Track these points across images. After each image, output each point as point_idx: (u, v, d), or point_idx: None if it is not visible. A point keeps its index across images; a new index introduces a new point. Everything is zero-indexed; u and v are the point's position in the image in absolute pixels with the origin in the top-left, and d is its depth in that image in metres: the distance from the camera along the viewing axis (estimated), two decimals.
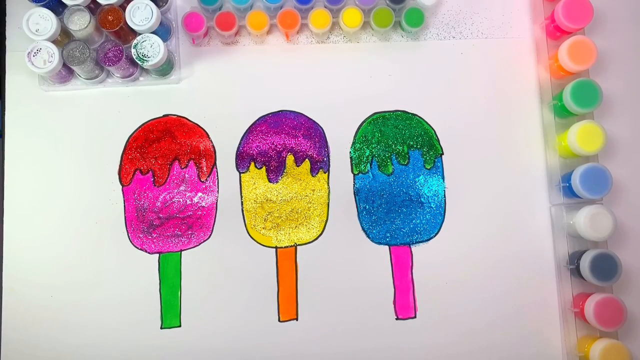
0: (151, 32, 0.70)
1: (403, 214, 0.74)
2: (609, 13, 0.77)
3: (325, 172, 0.74)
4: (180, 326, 0.71)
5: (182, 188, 0.73)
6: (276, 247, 0.73)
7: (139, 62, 0.69)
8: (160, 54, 0.69)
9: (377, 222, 0.74)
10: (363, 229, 0.73)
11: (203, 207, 0.73)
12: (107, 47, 0.70)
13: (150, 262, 0.72)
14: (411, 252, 0.73)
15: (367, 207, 0.74)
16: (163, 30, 0.72)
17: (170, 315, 0.71)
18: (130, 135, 0.74)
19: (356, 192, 0.74)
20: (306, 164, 0.74)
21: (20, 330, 0.70)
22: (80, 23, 0.69)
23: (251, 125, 0.75)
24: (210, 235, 0.73)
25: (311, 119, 0.75)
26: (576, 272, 0.71)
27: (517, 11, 0.78)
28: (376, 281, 0.73)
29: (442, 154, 0.75)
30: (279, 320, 0.72)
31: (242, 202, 0.73)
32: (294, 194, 0.74)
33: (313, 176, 0.74)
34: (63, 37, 0.70)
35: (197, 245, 0.73)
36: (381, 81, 0.76)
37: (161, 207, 0.73)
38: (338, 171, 0.74)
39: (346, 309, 0.72)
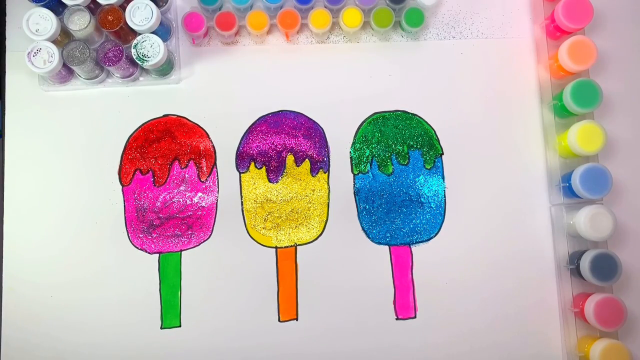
0: (151, 32, 0.70)
1: (403, 214, 0.74)
2: (609, 13, 0.77)
3: (325, 172, 0.74)
4: (180, 326, 0.71)
5: (182, 188, 0.73)
6: (276, 247, 0.73)
7: (139, 62, 0.69)
8: (160, 54, 0.69)
9: (377, 222, 0.74)
10: (363, 229, 0.73)
11: (203, 207, 0.73)
12: (107, 47, 0.70)
13: (150, 262, 0.72)
14: (411, 252, 0.73)
15: (367, 207, 0.74)
16: (163, 30, 0.72)
17: (170, 315, 0.71)
18: (130, 135, 0.74)
19: (356, 192, 0.74)
20: (306, 164, 0.74)
21: (20, 329, 0.70)
22: (80, 23, 0.69)
23: (251, 125, 0.75)
24: (210, 235, 0.73)
25: (311, 119, 0.75)
26: (576, 272, 0.71)
27: (517, 11, 0.78)
28: (376, 281, 0.73)
29: (442, 154, 0.75)
30: (279, 320, 0.72)
31: (242, 202, 0.73)
32: (294, 194, 0.74)
33: (313, 176, 0.74)
34: (63, 37, 0.70)
35: (197, 245, 0.73)
36: (381, 81, 0.76)
37: (161, 207, 0.73)
38: (338, 171, 0.74)
39: (346, 309, 0.72)
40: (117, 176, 0.73)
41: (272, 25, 0.75)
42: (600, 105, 0.71)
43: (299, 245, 0.73)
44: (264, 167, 0.74)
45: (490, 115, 0.76)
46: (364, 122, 0.75)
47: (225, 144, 0.74)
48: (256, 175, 0.74)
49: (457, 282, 0.73)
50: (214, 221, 0.73)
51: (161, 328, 0.71)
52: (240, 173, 0.74)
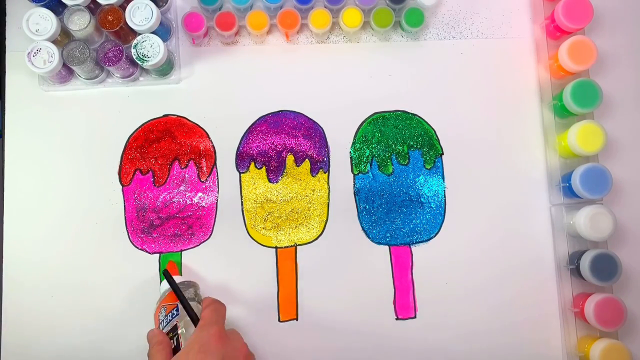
0: (151, 32, 0.70)
1: (403, 214, 0.74)
2: (609, 13, 0.77)
3: (325, 172, 0.74)
4: None
5: (182, 188, 0.73)
6: (276, 247, 0.73)
7: (139, 62, 0.69)
8: (160, 54, 0.69)
9: (377, 222, 0.74)
10: (363, 229, 0.73)
11: (203, 207, 0.73)
12: (107, 47, 0.70)
13: (150, 262, 0.72)
14: (411, 252, 0.73)
15: (367, 207, 0.74)
16: (163, 30, 0.72)
17: None
18: (130, 135, 0.74)
19: (356, 192, 0.74)
20: (306, 164, 0.74)
21: (20, 330, 0.70)
22: (80, 23, 0.69)
23: (251, 125, 0.75)
24: (210, 235, 0.73)
25: (311, 119, 0.75)
26: (576, 272, 0.71)
27: (517, 11, 0.78)
28: (376, 281, 0.73)
29: (442, 154, 0.75)
30: (279, 320, 0.72)
31: (242, 202, 0.73)
32: (294, 194, 0.74)
33: (313, 176, 0.74)
34: (63, 37, 0.70)
35: (197, 245, 0.73)
36: (381, 81, 0.76)
37: (161, 207, 0.73)
38: (338, 171, 0.74)
39: (346, 309, 0.72)
40: (117, 176, 0.73)
41: (272, 25, 0.75)
42: (600, 105, 0.71)
43: (299, 245, 0.73)
44: (264, 167, 0.74)
45: (490, 115, 0.76)
46: (364, 122, 0.75)
47: (225, 144, 0.74)
48: (256, 175, 0.74)
49: (457, 282, 0.73)
50: (214, 221, 0.73)
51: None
52: (240, 173, 0.74)
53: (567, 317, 0.72)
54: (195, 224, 0.73)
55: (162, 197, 0.73)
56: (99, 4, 0.69)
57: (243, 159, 0.74)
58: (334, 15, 0.74)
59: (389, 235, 0.73)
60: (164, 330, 0.63)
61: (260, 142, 0.74)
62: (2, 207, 0.72)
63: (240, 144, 0.74)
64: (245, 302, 0.72)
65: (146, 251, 0.72)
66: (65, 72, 0.71)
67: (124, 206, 0.73)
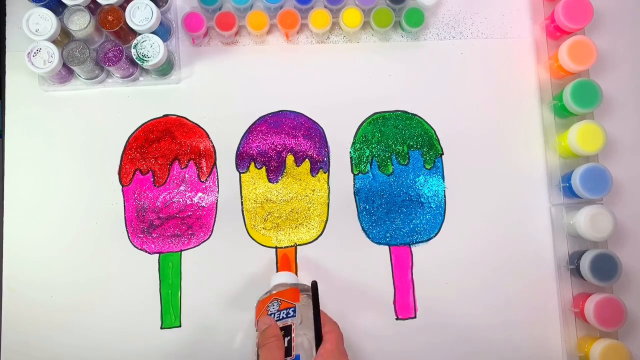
0: (151, 32, 0.70)
1: (403, 214, 0.74)
2: (609, 13, 0.77)
3: (325, 172, 0.74)
4: (180, 326, 0.71)
5: (182, 188, 0.73)
6: (276, 247, 0.73)
7: (139, 62, 0.69)
8: (160, 54, 0.69)
9: (377, 222, 0.74)
10: (363, 229, 0.73)
11: (203, 207, 0.73)
12: (107, 47, 0.70)
13: (150, 262, 0.72)
14: (411, 252, 0.73)
15: (367, 207, 0.74)
16: (163, 30, 0.72)
17: (170, 315, 0.71)
18: (130, 135, 0.74)
19: (356, 192, 0.74)
20: (306, 164, 0.74)
21: (20, 330, 0.70)
22: (80, 23, 0.69)
23: (251, 125, 0.75)
24: (210, 235, 0.73)
25: (311, 119, 0.75)
26: (576, 272, 0.71)
27: (517, 11, 0.78)
28: (376, 281, 0.73)
29: (442, 154, 0.75)
30: None
31: (242, 202, 0.73)
32: (294, 194, 0.74)
33: (313, 176, 0.74)
34: (63, 37, 0.70)
35: (197, 245, 0.73)
36: (381, 81, 0.76)
37: (161, 207, 0.73)
38: (338, 171, 0.74)
39: (346, 309, 0.72)
40: (117, 176, 0.73)
41: (272, 25, 0.75)
42: (600, 105, 0.71)
43: (299, 245, 0.73)
44: (264, 167, 0.74)
45: (490, 115, 0.76)
46: (364, 122, 0.75)
47: (225, 144, 0.74)
48: (256, 175, 0.74)
49: (457, 282, 0.73)
50: (214, 221, 0.73)
51: (161, 328, 0.71)
52: (240, 173, 0.74)
53: (567, 317, 0.72)
54: (195, 224, 0.73)
55: (162, 197, 0.73)
56: (99, 4, 0.69)
57: (243, 159, 0.74)
58: (334, 15, 0.74)
59: (389, 235, 0.73)
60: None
61: (260, 142, 0.74)
62: (2, 207, 0.72)
63: (240, 144, 0.74)
64: (245, 302, 0.71)
65: (146, 251, 0.72)
66: (65, 72, 0.71)
67: (124, 206, 0.73)
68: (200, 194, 0.73)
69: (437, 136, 0.75)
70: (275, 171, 0.74)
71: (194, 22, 0.73)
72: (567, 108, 0.71)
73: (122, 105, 0.74)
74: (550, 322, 0.73)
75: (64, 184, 0.73)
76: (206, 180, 0.74)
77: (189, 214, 0.73)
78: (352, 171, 0.74)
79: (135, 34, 0.71)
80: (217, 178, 0.74)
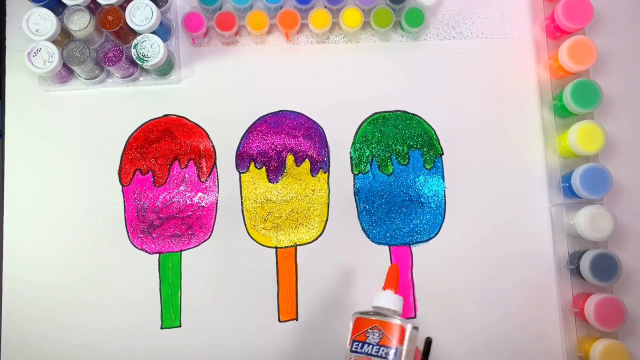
0: (151, 32, 0.70)
1: (403, 214, 0.74)
2: (609, 13, 0.77)
3: (325, 172, 0.74)
4: (180, 326, 0.71)
5: (182, 188, 0.73)
6: (276, 247, 0.73)
7: (139, 62, 0.69)
8: (160, 54, 0.69)
9: (377, 222, 0.74)
10: (363, 229, 0.73)
11: (203, 207, 0.73)
12: (107, 47, 0.70)
13: (150, 262, 0.72)
14: (411, 252, 0.73)
15: (367, 207, 0.74)
16: (163, 30, 0.72)
17: (170, 315, 0.71)
18: (130, 135, 0.74)
19: (356, 192, 0.74)
20: (306, 164, 0.74)
21: (20, 330, 0.70)
22: (80, 23, 0.69)
23: (251, 125, 0.75)
24: (210, 235, 0.73)
25: (311, 119, 0.75)
26: (576, 272, 0.71)
27: (517, 11, 0.78)
28: (376, 281, 0.73)
29: (442, 154, 0.75)
30: (279, 320, 0.72)
31: (242, 202, 0.73)
32: (294, 194, 0.74)
33: (313, 176, 0.74)
34: (63, 37, 0.70)
35: (197, 245, 0.73)
36: (381, 81, 0.76)
37: (161, 207, 0.73)
38: (338, 171, 0.74)
39: (346, 309, 0.72)
40: (117, 176, 0.73)
41: (272, 25, 0.75)
42: (600, 105, 0.71)
43: (299, 245, 0.73)
44: (264, 167, 0.74)
45: (490, 115, 0.76)
46: (364, 122, 0.75)
47: (225, 144, 0.74)
48: (256, 175, 0.74)
49: (457, 282, 0.73)
50: (214, 221, 0.73)
51: (161, 328, 0.71)
52: (240, 173, 0.74)
53: (567, 317, 0.72)
54: (195, 224, 0.73)
55: (162, 197, 0.73)
56: (99, 4, 0.69)
57: (243, 159, 0.74)
58: (334, 15, 0.74)
59: (389, 235, 0.73)
60: (368, 352, 0.55)
61: (260, 142, 0.74)
62: (2, 207, 0.72)
63: (240, 144, 0.74)
64: (245, 302, 0.72)
65: (146, 251, 0.72)
66: (65, 72, 0.71)
67: (124, 206, 0.73)
68: (200, 194, 0.73)
69: (437, 136, 0.75)
70: (275, 171, 0.74)
71: (194, 22, 0.73)
72: (567, 108, 0.71)
73: (122, 105, 0.74)
74: (550, 322, 0.72)
75: (64, 184, 0.73)
76: (206, 180, 0.74)
77: (189, 214, 0.73)
78: (352, 171, 0.74)
79: (135, 34, 0.71)
80: (217, 178, 0.74)
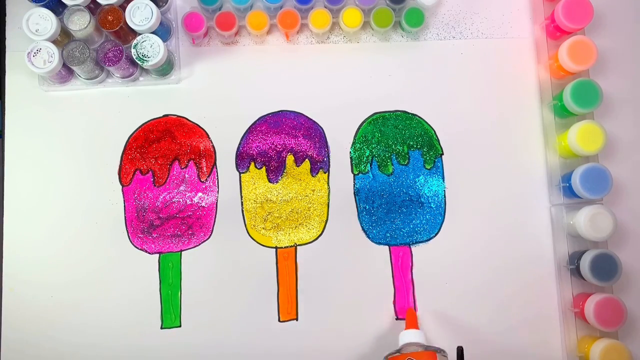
0: (151, 32, 0.70)
1: (403, 214, 0.74)
2: (609, 13, 0.77)
3: (325, 172, 0.74)
4: (180, 326, 0.71)
5: (182, 188, 0.73)
6: (276, 247, 0.73)
7: (139, 62, 0.69)
8: (160, 54, 0.69)
9: (377, 222, 0.74)
10: (363, 229, 0.73)
11: (203, 207, 0.73)
12: (107, 47, 0.70)
13: (150, 262, 0.72)
14: (411, 252, 0.73)
15: (367, 207, 0.74)
16: (163, 30, 0.72)
17: (170, 315, 0.71)
18: (130, 135, 0.74)
19: (356, 192, 0.74)
20: (306, 164, 0.74)
21: (20, 330, 0.70)
22: (80, 23, 0.69)
23: (251, 125, 0.75)
24: (210, 235, 0.73)
25: (311, 119, 0.75)
26: (576, 272, 0.71)
27: (517, 11, 0.78)
28: (376, 281, 0.73)
29: (442, 154, 0.75)
30: (279, 320, 0.72)
31: (242, 202, 0.73)
32: (294, 194, 0.74)
33: (313, 176, 0.74)
34: (63, 37, 0.70)
35: (197, 245, 0.73)
36: (381, 81, 0.76)
37: (161, 207, 0.73)
38: (338, 171, 0.74)
39: (346, 309, 0.72)
40: (117, 176, 0.73)
41: (272, 25, 0.75)
42: (600, 105, 0.71)
43: (299, 245, 0.73)
44: (264, 167, 0.74)
45: (490, 115, 0.76)
46: (364, 122, 0.75)
47: (225, 144, 0.74)
48: (256, 175, 0.74)
49: (457, 282, 0.73)
50: (214, 221, 0.73)
51: (161, 328, 0.71)
52: (240, 173, 0.74)
53: (567, 317, 0.72)
54: (195, 224, 0.73)
55: (162, 197, 0.73)
56: (99, 4, 0.69)
57: (243, 159, 0.74)
58: (334, 15, 0.74)
59: (389, 235, 0.73)
60: None
61: (260, 142, 0.74)
62: (2, 207, 0.72)
63: (240, 144, 0.74)
64: (245, 302, 0.72)
65: (146, 251, 0.72)
66: (65, 72, 0.71)
67: (124, 206, 0.73)
68: (200, 194, 0.73)
69: (437, 136, 0.75)
70: (275, 171, 0.74)
71: (194, 22, 0.73)
72: (567, 108, 0.71)
73: (122, 105, 0.74)
74: (550, 322, 0.72)
75: (64, 184, 0.73)
76: (206, 180, 0.74)
77: (189, 214, 0.73)
78: (352, 171, 0.74)
79: (135, 34, 0.71)
80: (217, 178, 0.74)
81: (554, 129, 0.74)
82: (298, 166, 0.74)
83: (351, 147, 0.75)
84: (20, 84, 0.74)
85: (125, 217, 0.72)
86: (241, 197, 0.73)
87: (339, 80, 0.76)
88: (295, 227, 0.73)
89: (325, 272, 0.72)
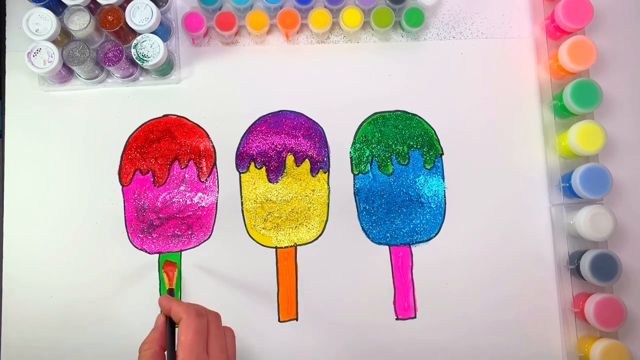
0: (151, 32, 0.70)
1: (403, 214, 0.74)
2: (609, 13, 0.77)
3: (325, 172, 0.74)
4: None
5: (182, 188, 0.73)
6: (276, 247, 0.73)
7: (139, 62, 0.69)
8: (160, 54, 0.69)
9: (377, 222, 0.74)
10: (363, 229, 0.73)
11: (203, 207, 0.73)
12: (107, 47, 0.70)
13: (150, 262, 0.72)
14: (411, 252, 0.73)
15: (367, 207, 0.74)
16: (163, 30, 0.72)
17: None
18: (130, 135, 0.74)
19: (356, 192, 0.74)
20: (306, 164, 0.74)
21: (20, 330, 0.70)
22: (80, 23, 0.69)
23: (251, 125, 0.75)
24: (210, 235, 0.73)
25: (311, 119, 0.75)
26: (576, 272, 0.71)
27: (517, 11, 0.78)
28: (376, 281, 0.73)
29: (442, 154, 0.75)
30: (279, 320, 0.72)
31: (242, 202, 0.73)
32: (294, 194, 0.74)
33: (313, 176, 0.74)
34: (63, 37, 0.70)
35: (197, 245, 0.73)
36: (381, 81, 0.76)
37: (161, 207, 0.73)
38: (338, 171, 0.74)
39: (346, 309, 0.72)
40: (117, 176, 0.73)
41: (272, 25, 0.75)
42: (600, 105, 0.71)
43: (299, 245, 0.73)
44: (264, 167, 0.74)
45: (490, 115, 0.76)
46: (364, 122, 0.75)
47: (225, 144, 0.74)
48: (256, 176, 0.74)
49: (457, 282, 0.73)
50: (214, 221, 0.73)
51: None
52: (240, 173, 0.74)
53: (567, 317, 0.72)
54: (195, 224, 0.73)
55: (162, 197, 0.73)
56: (99, 4, 0.69)
57: (243, 159, 0.74)
58: (334, 15, 0.74)
59: (389, 235, 0.73)
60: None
61: (260, 142, 0.74)
62: (2, 207, 0.72)
63: (240, 144, 0.74)
64: (245, 302, 0.72)
65: (146, 251, 0.72)
66: (65, 72, 0.71)
67: (124, 206, 0.73)
68: (200, 194, 0.73)
69: (437, 136, 0.75)
70: (275, 171, 0.74)
71: (194, 22, 0.73)
72: (567, 108, 0.71)
73: (122, 105, 0.74)
74: (550, 322, 0.73)
75: (64, 184, 0.73)
76: (206, 180, 0.74)
77: (189, 214, 0.73)
78: (352, 171, 0.74)
79: (135, 34, 0.71)
80: (217, 178, 0.74)
81: (554, 129, 0.74)
82: (298, 166, 0.74)
83: (351, 147, 0.75)
84: (20, 84, 0.74)
85: (125, 217, 0.72)
86: (241, 197, 0.73)
87: (339, 80, 0.76)
88: (295, 227, 0.73)
89: (325, 272, 0.72)
